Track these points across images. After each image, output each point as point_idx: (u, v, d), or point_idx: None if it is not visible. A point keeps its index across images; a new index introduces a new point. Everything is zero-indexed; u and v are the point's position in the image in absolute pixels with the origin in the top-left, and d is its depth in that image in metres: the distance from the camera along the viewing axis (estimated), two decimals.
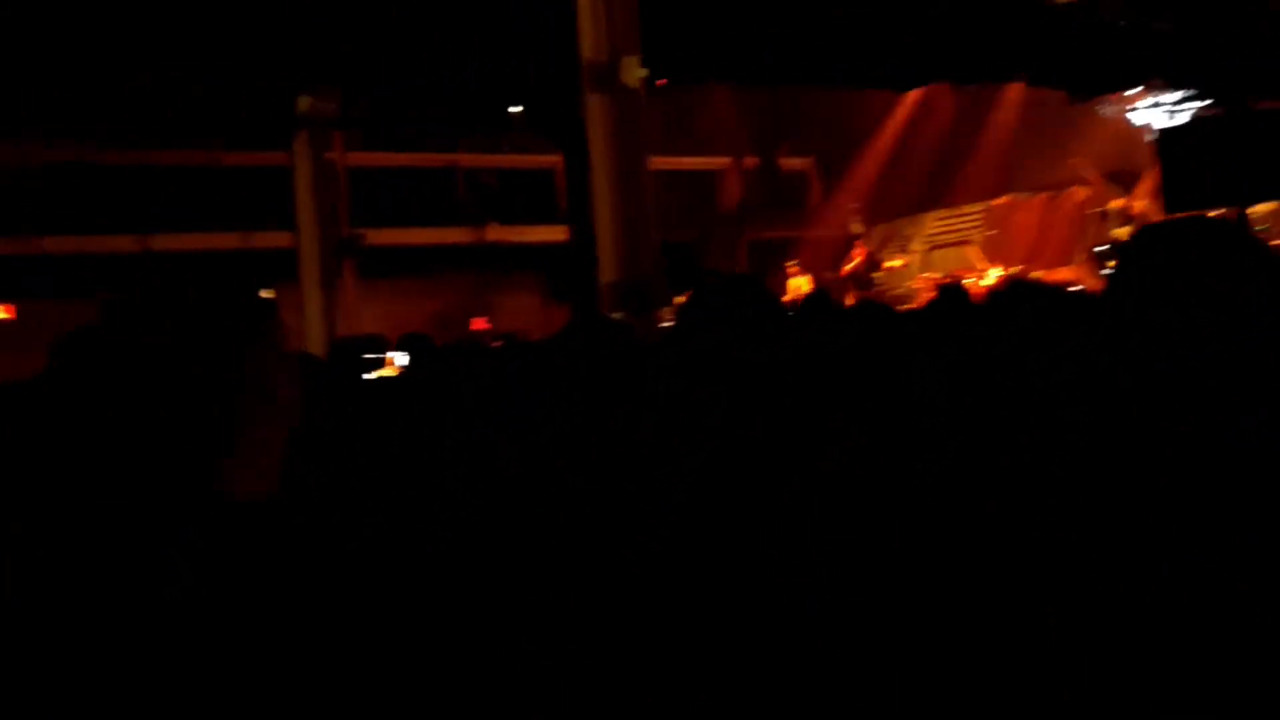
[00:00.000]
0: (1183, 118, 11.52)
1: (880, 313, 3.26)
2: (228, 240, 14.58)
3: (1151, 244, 1.32)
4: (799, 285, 15.37)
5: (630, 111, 7.03)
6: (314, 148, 11.36)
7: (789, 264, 14.89)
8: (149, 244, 14.62)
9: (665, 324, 7.72)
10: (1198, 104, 11.46)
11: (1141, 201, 13.07)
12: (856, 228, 18.15)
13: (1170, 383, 1.22)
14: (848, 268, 14.57)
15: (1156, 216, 12.63)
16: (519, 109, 11.41)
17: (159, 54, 8.59)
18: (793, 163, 18.39)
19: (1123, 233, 12.39)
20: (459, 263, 16.32)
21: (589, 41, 6.91)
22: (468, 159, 16.63)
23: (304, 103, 10.28)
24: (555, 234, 13.88)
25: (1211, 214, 11.81)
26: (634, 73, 6.91)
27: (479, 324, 15.69)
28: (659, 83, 9.25)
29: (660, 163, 14.07)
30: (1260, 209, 11.75)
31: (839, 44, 9.44)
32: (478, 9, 7.84)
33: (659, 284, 7.91)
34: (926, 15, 8.82)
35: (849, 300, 11.73)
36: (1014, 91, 14.96)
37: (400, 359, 4.28)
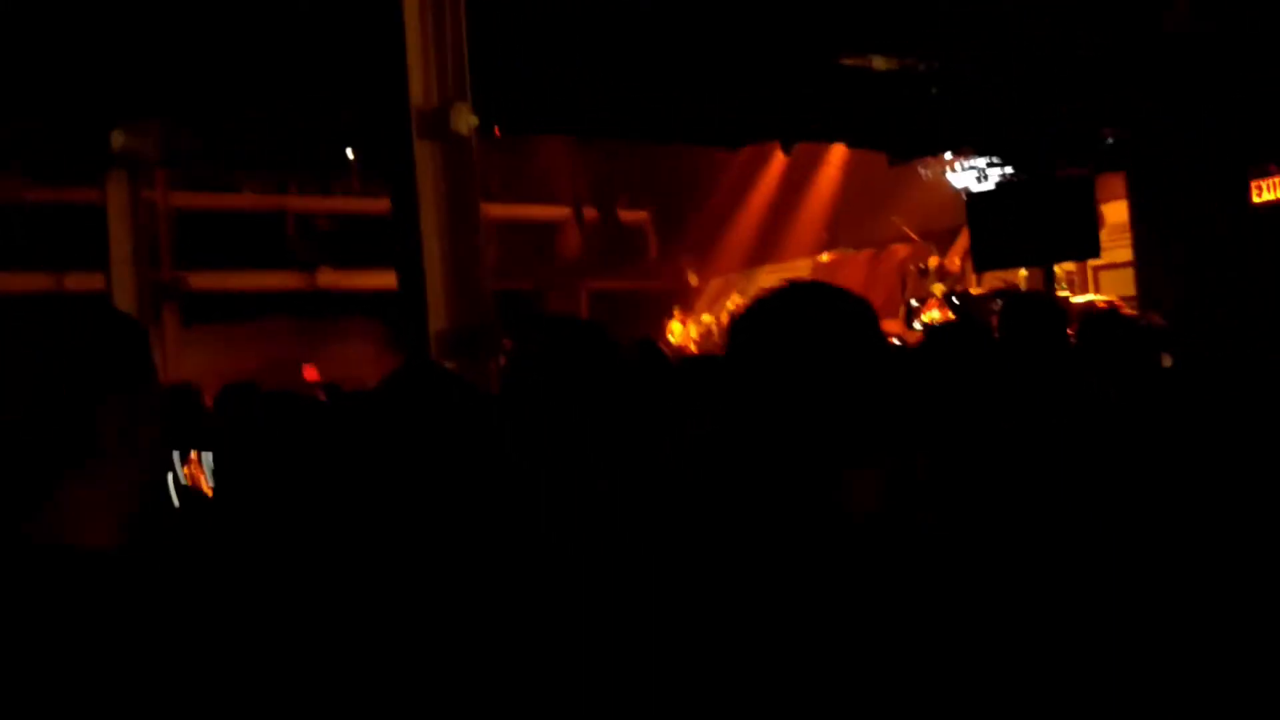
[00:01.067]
0: (990, 182, 12.28)
1: (706, 364, 3.31)
2: (35, 281, 13.68)
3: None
4: (678, 330, 15.69)
5: (461, 159, 6.98)
6: (131, 185, 10.81)
7: (676, 308, 15.29)
8: None
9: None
10: (1005, 169, 12.23)
11: (956, 259, 13.85)
12: (693, 280, 18.56)
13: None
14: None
15: (970, 274, 13.40)
16: (353, 151, 11.19)
17: None
18: (630, 215, 18.67)
19: (939, 288, 13.07)
20: (289, 308, 15.78)
21: (418, 88, 6.84)
22: (298, 201, 16.20)
23: (118, 138, 9.77)
24: (392, 279, 13.60)
25: (1022, 273, 12.53)
26: (465, 120, 6.88)
27: (310, 372, 15.18)
28: (495, 132, 9.25)
29: (498, 211, 14.04)
30: (1062, 267, 12.61)
31: (670, 100, 9.67)
32: (305, 46, 7.67)
33: (493, 331, 7.84)
34: (755, 76, 9.14)
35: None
36: (838, 152, 15.66)
37: (207, 462, 3.83)
